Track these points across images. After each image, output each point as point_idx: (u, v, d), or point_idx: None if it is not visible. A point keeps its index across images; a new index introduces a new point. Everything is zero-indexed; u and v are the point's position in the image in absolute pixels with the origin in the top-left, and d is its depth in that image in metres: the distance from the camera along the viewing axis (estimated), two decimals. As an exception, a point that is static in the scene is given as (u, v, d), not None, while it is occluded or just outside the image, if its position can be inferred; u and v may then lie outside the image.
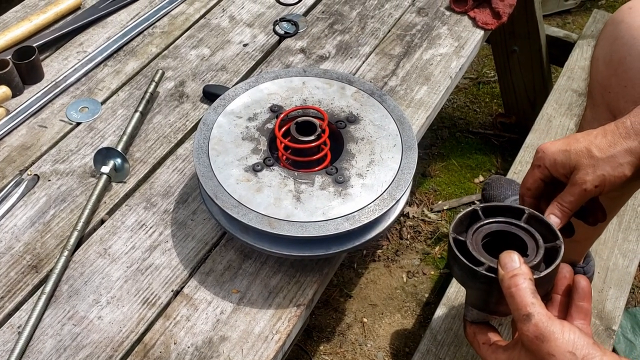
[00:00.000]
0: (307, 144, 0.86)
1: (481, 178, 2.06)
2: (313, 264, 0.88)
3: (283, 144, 0.87)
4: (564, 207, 0.72)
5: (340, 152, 0.88)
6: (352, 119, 0.91)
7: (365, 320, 1.71)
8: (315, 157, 0.87)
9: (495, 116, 2.21)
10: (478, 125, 2.21)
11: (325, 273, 0.88)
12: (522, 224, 0.69)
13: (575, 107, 1.66)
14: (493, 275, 0.62)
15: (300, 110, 0.91)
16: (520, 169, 1.51)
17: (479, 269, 0.63)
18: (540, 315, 0.58)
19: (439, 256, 1.84)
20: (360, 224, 0.79)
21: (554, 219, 0.72)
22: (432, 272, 1.81)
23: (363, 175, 0.84)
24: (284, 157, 0.88)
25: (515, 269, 0.61)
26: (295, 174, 0.85)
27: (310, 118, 0.88)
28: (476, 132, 2.19)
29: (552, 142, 0.76)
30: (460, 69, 1.17)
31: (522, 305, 0.59)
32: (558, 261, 0.64)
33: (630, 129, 0.72)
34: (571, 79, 1.73)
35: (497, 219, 0.69)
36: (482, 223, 0.69)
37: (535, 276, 0.62)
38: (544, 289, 0.65)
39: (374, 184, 0.83)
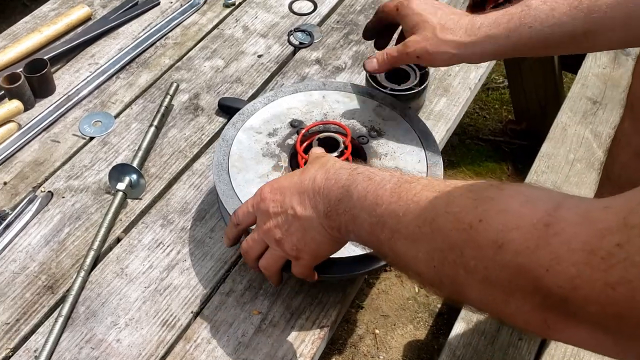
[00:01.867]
0: (330, 160, 0.84)
1: (492, 186, 2.03)
2: (335, 283, 0.86)
3: (305, 161, 0.85)
4: (385, 58, 0.88)
5: (363, 168, 0.86)
6: (375, 134, 0.89)
7: (377, 331, 1.69)
8: (337, 173, 0.85)
9: (505, 123, 2.19)
10: (488, 132, 2.19)
11: (348, 292, 0.86)
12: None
13: (590, 115, 1.63)
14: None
15: (321, 126, 0.89)
16: (536, 178, 1.49)
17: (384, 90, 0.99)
18: None
19: (451, 266, 1.81)
20: (387, 244, 0.77)
21: (370, 64, 0.90)
22: (445, 282, 1.78)
23: (388, 193, 0.82)
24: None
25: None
26: (318, 191, 0.83)
27: (332, 134, 0.86)
28: (486, 139, 2.17)
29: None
30: (479, 79, 1.15)
31: None
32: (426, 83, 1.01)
33: (468, 30, 0.80)
34: (585, 86, 1.70)
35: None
36: None
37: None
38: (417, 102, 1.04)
39: (400, 202, 0.81)
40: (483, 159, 2.12)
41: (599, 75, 1.74)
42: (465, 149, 2.15)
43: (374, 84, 1.03)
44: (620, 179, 1.09)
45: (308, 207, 0.67)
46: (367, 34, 0.99)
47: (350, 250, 0.77)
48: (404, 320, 1.72)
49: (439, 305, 1.74)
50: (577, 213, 0.45)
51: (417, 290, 1.78)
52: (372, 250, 0.65)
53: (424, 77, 1.03)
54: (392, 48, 0.88)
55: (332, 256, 0.76)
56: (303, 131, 0.87)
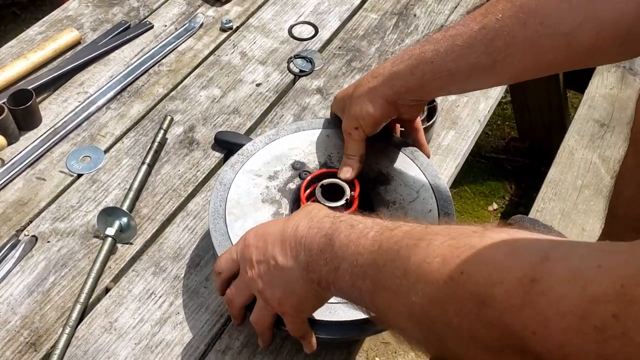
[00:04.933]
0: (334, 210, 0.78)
1: (495, 206, 1.98)
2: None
3: (308, 210, 0.79)
4: (350, 158, 0.81)
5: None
6: (382, 179, 0.83)
7: (377, 359, 1.63)
8: (342, 223, 0.79)
9: (508, 140, 2.14)
10: (490, 149, 2.14)
11: (352, 351, 0.81)
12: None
13: (597, 138, 1.58)
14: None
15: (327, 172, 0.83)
16: (543, 206, 1.44)
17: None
18: None
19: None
20: (397, 306, 0.71)
21: (344, 174, 0.80)
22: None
23: (397, 246, 0.76)
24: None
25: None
26: (322, 243, 0.77)
27: (337, 180, 0.80)
28: (488, 156, 2.11)
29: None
30: (488, 111, 1.10)
31: None
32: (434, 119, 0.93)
33: (374, 72, 0.78)
34: (592, 107, 1.65)
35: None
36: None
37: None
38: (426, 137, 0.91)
39: (410, 257, 0.75)
40: (485, 177, 2.07)
41: (606, 96, 1.69)
42: (467, 166, 2.09)
43: None
44: (626, 217, 1.03)
45: (289, 258, 0.63)
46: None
47: (357, 312, 0.71)
48: (406, 347, 1.67)
49: (440, 332, 1.69)
50: (566, 268, 0.40)
51: (418, 316, 1.73)
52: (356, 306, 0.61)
53: (432, 111, 0.98)
54: (345, 148, 0.83)
55: (337, 319, 0.71)
56: (308, 178, 0.81)
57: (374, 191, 0.82)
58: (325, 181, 0.80)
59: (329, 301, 0.71)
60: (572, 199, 1.47)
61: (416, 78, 0.73)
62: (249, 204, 0.81)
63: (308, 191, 0.81)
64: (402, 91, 0.75)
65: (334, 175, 0.82)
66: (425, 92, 0.77)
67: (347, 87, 0.85)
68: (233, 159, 0.86)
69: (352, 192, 0.79)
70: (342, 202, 0.78)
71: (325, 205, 0.78)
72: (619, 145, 1.58)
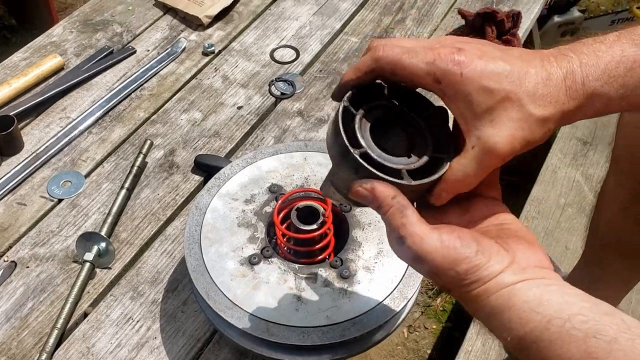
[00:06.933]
0: (309, 233, 0.79)
1: (482, 224, 1.99)
2: (316, 364, 0.80)
3: (282, 233, 0.80)
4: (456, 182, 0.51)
5: (345, 238, 0.81)
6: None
7: (365, 379, 1.63)
8: (317, 246, 0.80)
9: (494, 158, 2.15)
10: (477, 167, 2.15)
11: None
12: (422, 121, 0.54)
13: (580, 156, 1.60)
14: (363, 163, 0.50)
15: (302, 193, 0.84)
16: (526, 224, 1.45)
17: (353, 150, 0.50)
18: (412, 237, 0.47)
19: (441, 309, 1.76)
20: (369, 329, 0.72)
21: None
22: (434, 326, 1.73)
23: (371, 269, 0.77)
24: (284, 246, 0.81)
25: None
26: (296, 267, 0.78)
27: (312, 202, 0.81)
28: (475, 174, 2.12)
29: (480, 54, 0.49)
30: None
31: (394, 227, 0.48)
32: (437, 176, 0.51)
33: (580, 87, 0.49)
34: (575, 126, 1.67)
35: (400, 104, 0.54)
36: (382, 103, 0.54)
37: (405, 182, 0.50)
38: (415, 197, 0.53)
39: (383, 279, 0.76)
40: (472, 195, 2.08)
41: (589, 114, 1.70)
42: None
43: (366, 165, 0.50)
44: (606, 237, 1.04)
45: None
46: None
47: (331, 336, 0.72)
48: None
49: (428, 351, 1.69)
50: None
51: (406, 336, 1.72)
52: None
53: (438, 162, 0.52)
54: (462, 163, 0.50)
55: (310, 343, 0.72)
56: (280, 201, 0.82)
57: (349, 213, 0.83)
58: (301, 204, 0.81)
59: (301, 323, 0.72)
60: (555, 217, 1.48)
61: (628, 100, 0.50)
62: (224, 228, 0.82)
63: (282, 214, 0.82)
64: (589, 115, 0.51)
65: (306, 195, 0.83)
66: (611, 112, 0.53)
67: (462, 45, 0.49)
68: (210, 183, 0.87)
69: (326, 215, 0.80)
70: (316, 225, 0.79)
71: (300, 229, 0.79)
72: (601, 163, 1.59)
